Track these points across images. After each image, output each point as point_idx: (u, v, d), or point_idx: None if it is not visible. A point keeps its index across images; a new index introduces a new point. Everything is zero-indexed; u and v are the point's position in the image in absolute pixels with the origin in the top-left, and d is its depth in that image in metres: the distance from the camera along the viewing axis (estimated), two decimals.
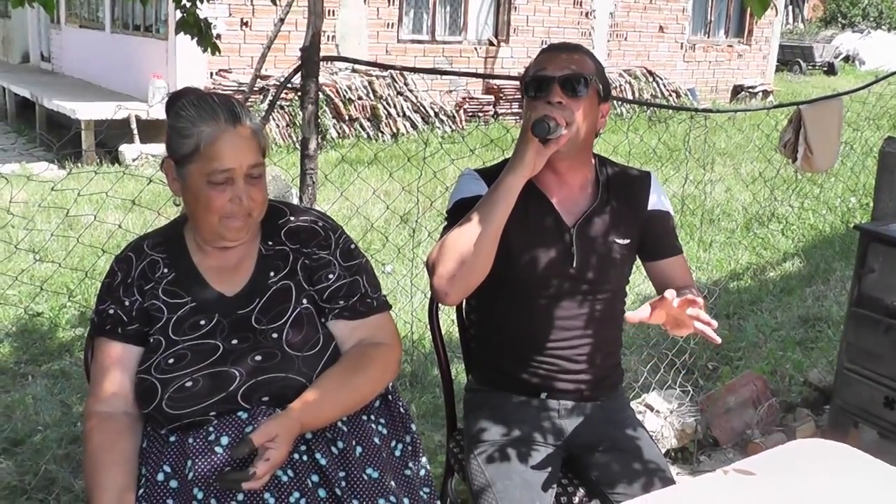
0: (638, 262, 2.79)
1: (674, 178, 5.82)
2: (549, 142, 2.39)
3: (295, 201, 4.14)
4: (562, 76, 2.48)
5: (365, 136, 13.19)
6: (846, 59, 30.63)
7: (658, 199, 2.72)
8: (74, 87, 15.20)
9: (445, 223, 2.62)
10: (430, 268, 2.46)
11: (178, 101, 2.26)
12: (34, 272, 6.27)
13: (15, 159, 11.54)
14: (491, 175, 2.61)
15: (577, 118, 2.47)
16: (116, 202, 7.60)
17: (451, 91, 15.10)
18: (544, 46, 2.68)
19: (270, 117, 11.93)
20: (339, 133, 12.92)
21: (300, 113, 3.41)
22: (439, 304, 2.97)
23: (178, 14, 4.08)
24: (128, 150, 11.56)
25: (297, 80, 3.38)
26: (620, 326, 2.84)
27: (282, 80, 3.54)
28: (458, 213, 2.55)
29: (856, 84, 5.62)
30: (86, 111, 12.06)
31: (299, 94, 3.41)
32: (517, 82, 2.72)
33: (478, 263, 2.39)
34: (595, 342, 2.69)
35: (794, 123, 4.54)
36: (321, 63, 3.29)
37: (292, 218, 2.41)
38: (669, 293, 2.21)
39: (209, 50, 3.82)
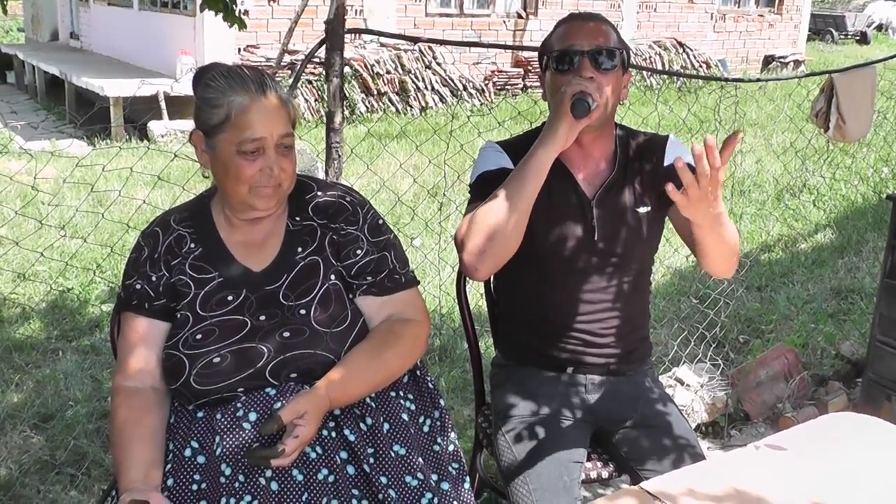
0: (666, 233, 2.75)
1: None
2: (582, 118, 2.35)
3: (321, 175, 4.13)
4: (591, 50, 2.45)
5: (393, 110, 13.17)
6: (879, 27, 30.30)
7: (676, 155, 2.66)
8: (103, 64, 15.24)
9: (470, 197, 2.59)
10: (460, 243, 2.43)
11: (207, 73, 2.26)
12: (64, 248, 6.30)
13: (45, 136, 11.60)
14: (513, 147, 2.59)
15: (606, 92, 2.45)
16: (146, 178, 7.64)
17: (477, 63, 15.00)
18: (565, 17, 2.63)
19: (299, 92, 11.93)
20: (367, 107, 12.90)
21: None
22: (467, 279, 2.97)
23: None
24: (156, 127, 11.60)
25: (323, 53, 3.36)
26: (648, 299, 2.82)
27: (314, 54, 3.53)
28: (482, 186, 2.52)
29: (889, 53, 5.55)
30: (114, 88, 12.09)
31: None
32: None
33: (508, 239, 2.37)
34: (622, 315, 2.66)
35: (827, 92, 4.49)
36: (350, 37, 3.27)
37: (320, 193, 2.39)
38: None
39: (235, 25, 3.79)
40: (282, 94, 2.25)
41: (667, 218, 2.70)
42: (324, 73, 3.39)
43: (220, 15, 3.74)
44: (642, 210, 2.62)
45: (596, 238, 2.57)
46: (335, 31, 3.27)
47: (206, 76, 2.25)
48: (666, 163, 2.63)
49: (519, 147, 2.56)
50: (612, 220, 2.59)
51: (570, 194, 2.57)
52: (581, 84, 2.36)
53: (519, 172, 2.38)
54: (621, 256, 2.62)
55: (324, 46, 3.32)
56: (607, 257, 2.61)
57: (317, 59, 3.47)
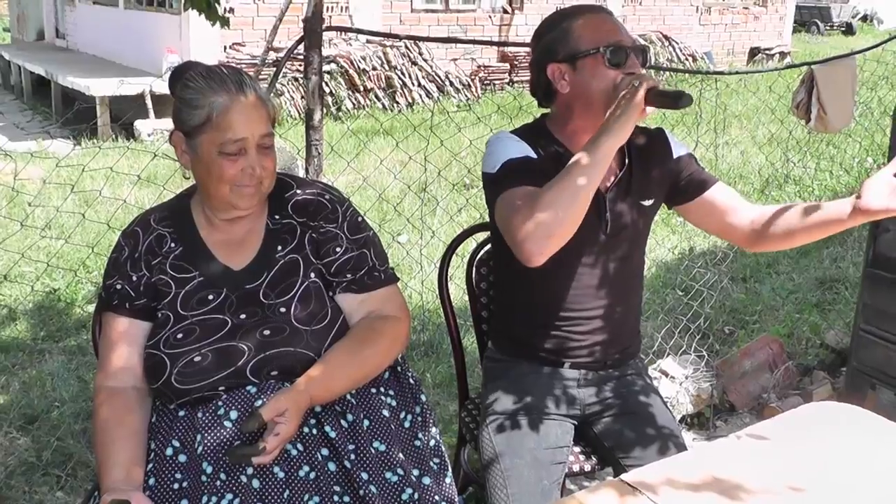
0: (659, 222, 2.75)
1: (686, 141, 5.78)
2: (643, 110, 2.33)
3: (301, 173, 4.13)
4: (636, 47, 2.47)
5: (380, 106, 13.16)
6: (864, 18, 30.38)
7: (678, 146, 2.71)
8: (89, 63, 15.20)
9: (496, 185, 2.49)
10: (522, 231, 2.29)
11: (185, 73, 2.26)
12: (50, 249, 6.29)
13: (31, 137, 11.56)
14: (527, 135, 2.57)
15: None
16: (133, 178, 7.62)
17: (456, 60, 14.99)
18: (580, 6, 2.59)
19: (285, 90, 11.92)
20: (354, 104, 12.90)
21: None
22: (449, 274, 2.97)
23: None
24: (143, 126, 11.58)
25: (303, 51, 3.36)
26: (641, 296, 2.83)
27: (293, 52, 3.53)
28: (510, 173, 2.46)
29: (873, 43, 5.56)
30: (100, 87, 12.06)
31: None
32: None
33: (575, 224, 2.30)
34: (621, 309, 2.68)
35: (807, 84, 4.49)
36: (335, 34, 3.26)
37: (299, 191, 2.40)
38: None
39: (218, 24, 3.78)
40: (261, 94, 2.25)
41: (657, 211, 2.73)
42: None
43: (203, 14, 3.72)
44: (647, 203, 2.64)
45: (609, 232, 2.58)
46: (313, 29, 3.27)
47: (183, 76, 2.25)
48: (675, 154, 2.68)
49: (532, 136, 2.56)
50: (623, 213, 2.60)
51: None
52: (654, 79, 2.33)
53: (588, 160, 2.28)
54: (626, 249, 2.64)
55: (303, 44, 3.33)
56: (615, 250, 2.62)
57: (300, 57, 3.47)
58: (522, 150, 2.52)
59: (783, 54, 19.88)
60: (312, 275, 2.32)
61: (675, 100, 2.27)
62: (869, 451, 2.22)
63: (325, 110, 3.34)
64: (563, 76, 2.53)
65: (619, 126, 2.30)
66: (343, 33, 13.07)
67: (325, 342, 2.24)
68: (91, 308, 5.27)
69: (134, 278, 2.30)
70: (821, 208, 2.42)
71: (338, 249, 2.35)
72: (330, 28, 3.40)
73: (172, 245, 2.33)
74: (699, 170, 2.71)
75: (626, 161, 2.62)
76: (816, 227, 2.44)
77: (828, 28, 27.85)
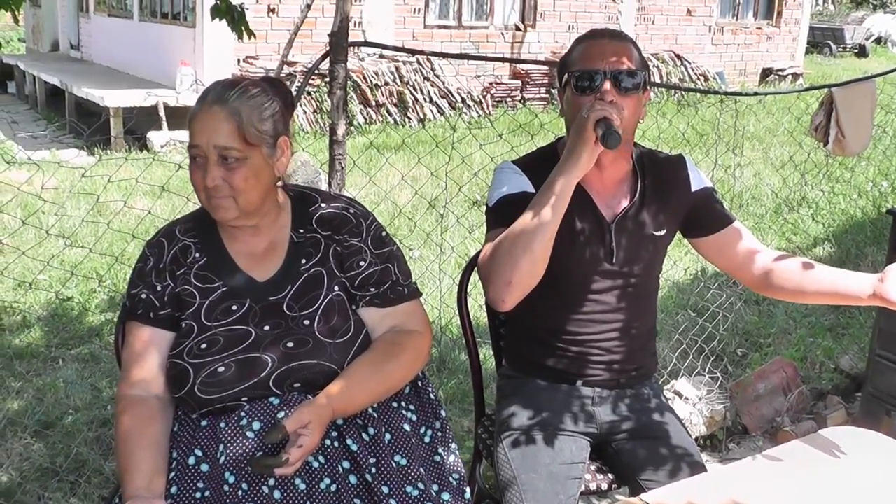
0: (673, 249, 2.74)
1: (703, 162, 5.78)
2: (614, 148, 2.29)
3: (324, 187, 4.15)
4: (614, 71, 2.41)
5: (392, 121, 13.19)
6: (877, 40, 30.41)
7: (698, 179, 2.66)
8: (103, 74, 15.28)
9: (488, 221, 2.55)
10: (484, 276, 2.40)
11: None
12: (64, 258, 6.32)
13: (45, 146, 11.62)
14: (529, 166, 2.56)
15: (626, 115, 2.40)
16: (145, 188, 7.65)
17: (478, 76, 15.05)
18: (585, 32, 2.59)
19: (298, 104, 11.95)
20: (366, 119, 12.93)
21: (327, 99, 3.41)
22: (468, 290, 2.97)
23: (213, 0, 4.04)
24: (156, 137, 11.62)
25: (324, 65, 3.38)
26: (656, 316, 2.82)
27: (309, 65, 3.56)
28: (502, 210, 2.48)
29: (887, 66, 5.56)
30: (114, 98, 12.11)
31: (327, 79, 3.41)
32: (544, 67, 2.67)
33: (535, 268, 2.33)
34: (632, 333, 2.67)
35: (826, 106, 4.50)
36: (353, 50, 3.27)
37: (323, 205, 2.41)
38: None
39: (244, 35, 3.79)
40: (238, 107, 2.20)
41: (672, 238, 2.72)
42: (323, 84, 3.41)
43: (230, 25, 3.75)
44: (659, 233, 2.61)
45: (613, 261, 2.57)
46: (339, 44, 3.29)
47: None
48: (694, 188, 2.64)
49: (536, 166, 2.53)
50: (629, 243, 2.58)
51: (588, 216, 2.54)
52: (604, 109, 2.30)
53: (541, 200, 2.32)
54: (635, 278, 2.62)
55: (327, 59, 3.35)
56: (622, 279, 2.60)
57: (315, 71, 3.48)
58: (520, 184, 2.53)
59: (796, 75, 19.89)
60: (336, 288, 2.32)
61: (603, 138, 2.25)
62: (888, 477, 2.21)
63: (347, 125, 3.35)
64: (561, 100, 2.55)
65: (572, 161, 2.32)
66: (356, 48, 13.13)
67: (347, 355, 2.25)
68: (104, 317, 5.31)
69: (158, 288, 2.31)
70: (839, 278, 2.38)
71: (361, 263, 2.35)
72: (354, 43, 3.42)
73: (197, 255, 2.34)
74: (717, 206, 2.66)
75: (639, 190, 2.60)
76: (830, 295, 2.41)
77: (840, 50, 27.86)
